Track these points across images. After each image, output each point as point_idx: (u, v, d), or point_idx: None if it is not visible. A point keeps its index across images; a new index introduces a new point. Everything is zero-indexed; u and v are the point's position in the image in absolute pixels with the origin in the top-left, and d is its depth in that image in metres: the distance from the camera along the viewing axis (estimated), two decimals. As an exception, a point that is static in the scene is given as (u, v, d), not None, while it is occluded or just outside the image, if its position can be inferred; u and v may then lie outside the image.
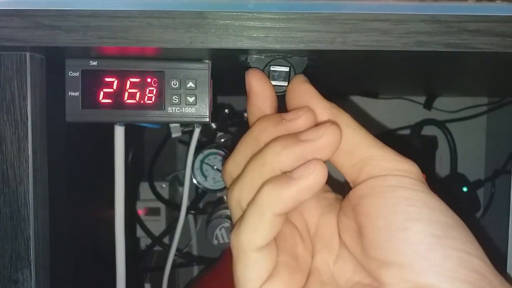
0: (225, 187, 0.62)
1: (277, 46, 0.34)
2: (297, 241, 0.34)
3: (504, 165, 0.92)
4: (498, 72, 0.55)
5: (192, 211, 0.85)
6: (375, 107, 0.98)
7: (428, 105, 0.98)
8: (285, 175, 0.29)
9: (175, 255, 0.86)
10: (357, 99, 0.97)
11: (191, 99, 0.40)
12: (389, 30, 0.33)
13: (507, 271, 0.40)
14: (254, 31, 0.33)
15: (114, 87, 0.40)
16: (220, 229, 0.59)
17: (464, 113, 1.00)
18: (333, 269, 0.34)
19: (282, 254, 0.32)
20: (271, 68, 0.37)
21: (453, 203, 0.82)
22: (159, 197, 0.85)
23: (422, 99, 0.99)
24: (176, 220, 0.86)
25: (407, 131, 0.98)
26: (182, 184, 0.99)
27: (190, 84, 0.40)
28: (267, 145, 0.31)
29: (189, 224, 0.92)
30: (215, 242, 0.59)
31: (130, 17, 0.33)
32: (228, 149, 0.65)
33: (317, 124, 0.31)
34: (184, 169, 1.03)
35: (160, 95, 0.40)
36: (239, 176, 0.32)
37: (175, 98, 0.40)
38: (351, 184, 0.34)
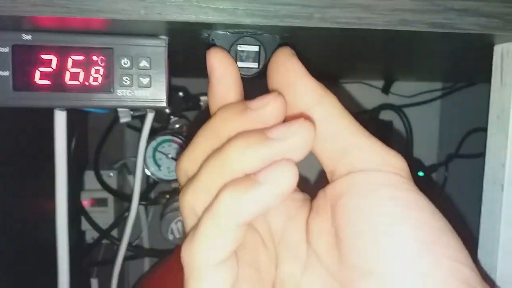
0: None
1: (248, 21, 0.29)
2: (260, 250, 0.30)
3: (457, 150, 0.94)
4: (456, 56, 0.54)
5: (143, 202, 0.79)
6: (334, 91, 0.96)
7: (385, 90, 0.97)
8: (249, 178, 0.25)
9: (116, 243, 0.81)
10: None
11: (145, 81, 0.35)
12: (372, 5, 0.30)
13: (478, 257, 0.39)
14: (221, 2, 0.29)
15: (53, 66, 0.34)
16: (176, 223, 0.55)
17: (420, 98, 1.00)
18: (301, 281, 0.30)
19: (243, 266, 0.28)
20: (238, 48, 0.32)
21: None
22: (106, 187, 0.79)
23: (380, 83, 0.98)
24: (125, 211, 0.80)
25: (365, 116, 0.97)
26: (131, 173, 0.93)
27: (144, 63, 0.35)
28: (228, 140, 0.27)
29: (140, 216, 0.87)
30: (171, 237, 0.55)
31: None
32: (184, 136, 0.60)
33: (293, 118, 0.27)
34: (134, 156, 0.97)
35: (108, 75, 0.35)
36: (194, 176, 0.28)
37: (126, 79, 0.35)
38: (328, 175, 0.31)
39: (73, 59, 0.34)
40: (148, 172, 0.55)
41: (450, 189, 0.93)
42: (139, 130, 0.87)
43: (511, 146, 0.36)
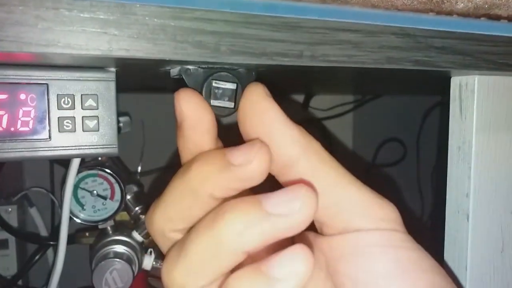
0: (109, 217, 0.50)
1: (232, 59, 0.25)
2: None
3: (373, 160, 0.99)
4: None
5: (53, 242, 0.68)
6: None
7: (305, 105, 0.98)
8: (262, 272, 0.21)
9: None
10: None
11: (91, 124, 0.28)
12: (360, 42, 0.28)
13: (444, 259, 0.39)
14: (202, 35, 0.24)
15: (-37, 107, 0.26)
16: (111, 273, 0.47)
17: (335, 111, 1.03)
18: None
19: None
20: (214, 84, 0.28)
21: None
22: (6, 226, 0.66)
23: (300, 97, 0.99)
24: (33, 255, 0.68)
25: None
26: (33, 205, 0.80)
27: (90, 102, 0.28)
28: (218, 214, 0.22)
29: (48, 258, 0.75)
30: (105, 289, 0.47)
31: (6, 5, 0.20)
32: (108, 166, 0.52)
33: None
34: (37, 186, 0.84)
35: (42, 119, 0.28)
36: (178, 249, 0.24)
37: (66, 123, 0.28)
38: (317, 224, 0.28)
39: (-7, 99, 0.27)
40: (71, 215, 0.47)
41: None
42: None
43: (474, 177, 0.37)
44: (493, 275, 0.38)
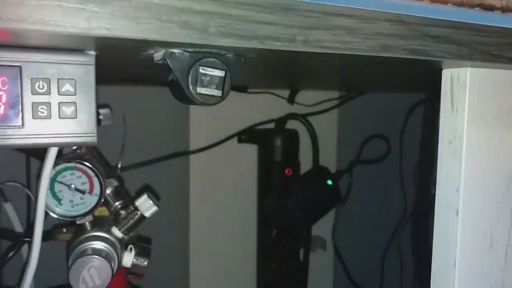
0: (87, 212, 0.48)
1: (221, 41, 0.23)
2: None
3: (358, 156, 0.98)
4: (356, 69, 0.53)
5: (28, 239, 0.65)
6: (242, 101, 0.92)
7: (291, 100, 0.97)
8: None
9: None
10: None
11: (68, 110, 0.26)
12: (354, 28, 0.27)
13: (433, 254, 0.38)
14: (190, 15, 0.22)
15: None
16: (89, 270, 0.45)
17: (320, 106, 1.02)
18: None
19: None
20: (201, 70, 0.26)
21: (320, 198, 0.83)
22: (-21, 222, 0.63)
23: (286, 93, 0.97)
24: (7, 251, 0.65)
25: (272, 125, 0.96)
26: (7, 200, 0.77)
27: (67, 87, 0.26)
28: None
29: (22, 255, 0.72)
30: (83, 287, 0.45)
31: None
32: (87, 159, 0.50)
33: None
34: (12, 180, 0.81)
35: (15, 104, 0.25)
36: None
37: (41, 108, 0.26)
38: None
39: (-41, 81, 0.24)
40: (47, 210, 0.45)
41: (355, 194, 0.97)
42: (20, 149, 0.73)
43: (464, 171, 0.36)
44: (481, 271, 0.37)
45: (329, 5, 0.26)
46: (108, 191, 0.54)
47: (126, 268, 0.52)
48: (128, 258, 0.51)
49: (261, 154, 0.95)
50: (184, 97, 0.27)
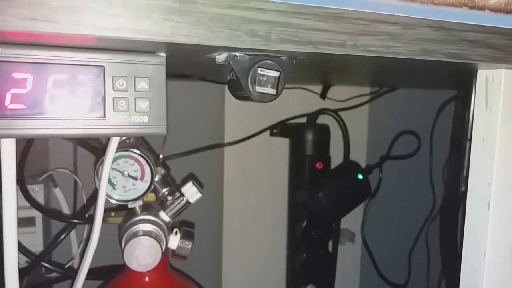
0: (139, 197, 0.52)
1: (281, 46, 0.26)
2: None
3: (388, 151, 1.00)
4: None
5: (78, 221, 0.71)
6: (275, 96, 0.96)
7: (323, 95, 1.00)
8: None
9: (57, 272, 0.72)
10: (259, 88, 0.93)
11: (143, 105, 0.30)
12: (398, 34, 0.29)
13: (462, 273, 0.41)
14: (255, 24, 0.26)
15: (28, 86, 0.28)
16: (141, 249, 0.49)
17: (352, 102, 1.05)
18: None
19: None
20: (259, 71, 0.29)
21: (350, 192, 0.85)
22: (36, 204, 0.69)
23: (318, 88, 1.00)
24: (59, 233, 0.71)
25: (303, 120, 0.99)
26: (57, 186, 0.83)
27: (142, 84, 0.30)
28: None
29: (70, 236, 0.77)
30: (135, 264, 0.49)
31: (81, -9, 0.22)
32: (140, 150, 0.54)
33: None
34: (61, 167, 0.87)
35: (99, 98, 0.30)
36: None
37: (120, 103, 0.30)
38: None
39: (54, 79, 0.29)
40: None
41: (385, 188, 0.99)
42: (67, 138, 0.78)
43: (497, 167, 0.38)
44: (511, 263, 0.40)
45: (375, 13, 0.29)
46: (156, 178, 0.58)
47: (172, 250, 0.57)
48: (174, 241, 0.55)
49: (293, 148, 0.98)
50: (242, 94, 0.31)
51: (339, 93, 1.03)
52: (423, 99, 1.10)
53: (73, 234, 0.81)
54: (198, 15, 0.24)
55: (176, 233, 0.56)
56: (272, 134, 1.00)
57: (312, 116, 0.97)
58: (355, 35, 0.28)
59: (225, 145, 0.97)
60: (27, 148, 0.70)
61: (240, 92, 0.31)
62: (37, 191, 0.77)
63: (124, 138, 0.60)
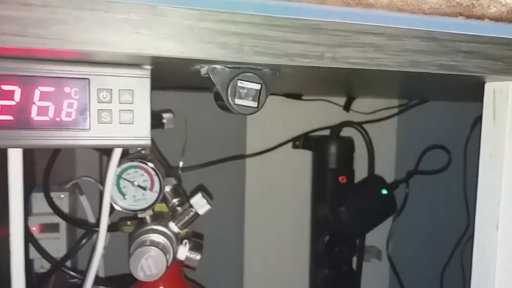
0: (148, 207, 0.53)
1: (255, 59, 0.26)
2: None
3: (416, 166, 0.96)
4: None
5: (97, 228, 0.72)
6: (298, 108, 0.95)
7: (347, 107, 0.98)
8: None
9: (77, 278, 0.74)
10: (280, 100, 0.93)
11: (127, 117, 0.31)
12: (383, 45, 0.28)
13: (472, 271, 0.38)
14: (227, 37, 0.25)
15: (16, 98, 0.29)
16: (147, 259, 0.50)
17: (378, 115, 1.02)
18: None
19: None
20: (239, 84, 0.29)
21: (374, 207, 0.82)
22: (57, 211, 0.71)
23: (342, 100, 0.98)
24: (81, 238, 0.73)
25: (326, 132, 0.97)
26: (84, 193, 0.85)
27: (126, 96, 0.31)
28: None
29: (93, 241, 0.80)
30: (141, 274, 0.50)
31: (49, 6, 0.23)
32: (149, 160, 0.55)
33: None
34: (87, 175, 0.90)
35: (84, 111, 0.30)
36: None
37: (104, 115, 0.30)
38: None
39: (41, 91, 0.30)
40: (112, 203, 0.51)
41: (412, 204, 0.95)
42: (106, 157, 0.81)
43: (505, 185, 0.36)
44: (521, 288, 0.37)
45: (357, 24, 0.28)
46: (167, 189, 0.59)
47: (180, 261, 0.57)
48: (183, 252, 0.55)
49: (315, 161, 0.96)
50: (225, 107, 0.31)
51: (365, 105, 1.01)
52: (456, 113, 1.06)
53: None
54: (168, 28, 0.25)
55: (185, 244, 0.56)
56: (294, 146, 0.99)
57: (336, 129, 0.96)
58: (334, 46, 0.27)
59: (246, 156, 0.97)
60: (54, 157, 0.73)
61: (223, 105, 0.31)
62: (63, 198, 0.80)
63: (138, 148, 0.62)
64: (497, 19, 0.33)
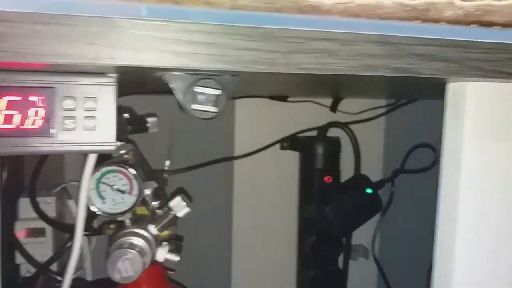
0: (127, 210, 0.54)
1: (208, 66, 0.27)
2: None
3: (402, 165, 0.97)
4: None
5: (85, 232, 0.73)
6: (285, 110, 0.96)
7: (333, 108, 0.99)
8: None
9: (61, 281, 0.74)
10: (266, 102, 0.94)
11: (90, 123, 0.32)
12: (336, 51, 0.29)
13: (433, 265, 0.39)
14: (180, 46, 0.26)
15: (-18, 107, 0.30)
16: (123, 261, 0.51)
17: (365, 115, 1.03)
18: None
19: None
20: (197, 90, 0.30)
21: (358, 206, 0.83)
22: (43, 216, 0.72)
23: (328, 101, 0.99)
24: (66, 242, 0.74)
25: (314, 133, 0.98)
26: (72, 197, 0.86)
27: (90, 103, 0.32)
28: None
29: (82, 246, 0.81)
30: (117, 276, 0.51)
31: (9, 21, 0.24)
32: (130, 164, 0.56)
33: None
34: (76, 180, 0.90)
35: (49, 118, 0.31)
36: None
37: (69, 122, 0.31)
38: None
39: (8, 100, 0.30)
40: (91, 206, 0.51)
41: (397, 203, 0.96)
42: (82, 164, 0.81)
43: (464, 184, 0.36)
44: (482, 283, 0.37)
45: (310, 31, 0.29)
46: (147, 192, 0.60)
47: (160, 262, 0.58)
48: (161, 254, 0.56)
49: (302, 161, 0.97)
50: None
51: (353, 105, 1.02)
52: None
53: (85, 245, 0.84)
54: (124, 38, 0.25)
55: (164, 246, 0.57)
56: (282, 148, 1.00)
57: (322, 129, 0.96)
58: (287, 53, 0.28)
59: (234, 158, 0.98)
60: (41, 162, 0.74)
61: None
62: (50, 203, 0.80)
63: (121, 152, 0.62)
64: (454, 22, 0.33)
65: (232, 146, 0.99)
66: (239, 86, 0.32)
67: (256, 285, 1.02)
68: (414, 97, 1.00)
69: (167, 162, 0.80)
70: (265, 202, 1.01)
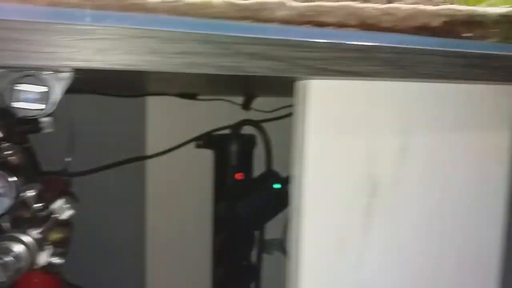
0: (2, 214, 0.52)
1: (18, 63, 0.27)
2: None
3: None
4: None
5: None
6: (194, 108, 0.96)
7: (246, 106, 1.00)
8: None
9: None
10: (174, 100, 0.93)
11: None
12: (158, 48, 0.30)
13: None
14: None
15: None
16: (-5, 267, 0.49)
17: (278, 112, 1.05)
18: None
19: None
20: (19, 87, 0.29)
21: (266, 201, 0.84)
22: None
23: (240, 99, 1.00)
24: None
25: (227, 131, 0.99)
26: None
27: None
28: None
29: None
30: (-11, 283, 0.49)
31: None
32: (14, 166, 0.54)
33: None
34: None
35: None
36: None
37: None
38: None
39: None
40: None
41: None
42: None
43: (308, 176, 0.38)
44: (329, 271, 0.40)
45: (129, 28, 0.29)
46: (29, 194, 0.58)
47: (43, 266, 0.56)
48: (44, 258, 0.54)
49: (216, 159, 0.98)
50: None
51: (267, 103, 1.03)
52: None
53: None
54: None
55: (47, 250, 0.56)
56: (197, 146, 1.00)
57: (235, 127, 0.98)
58: (102, 50, 0.28)
59: (145, 158, 0.97)
60: None
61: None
62: None
63: (6, 153, 0.60)
64: (287, 22, 0.35)
65: (144, 146, 0.98)
66: (68, 82, 0.31)
67: (171, 285, 1.01)
68: (273, 95, 1.02)
69: (67, 161, 0.78)
70: (180, 201, 1.01)
